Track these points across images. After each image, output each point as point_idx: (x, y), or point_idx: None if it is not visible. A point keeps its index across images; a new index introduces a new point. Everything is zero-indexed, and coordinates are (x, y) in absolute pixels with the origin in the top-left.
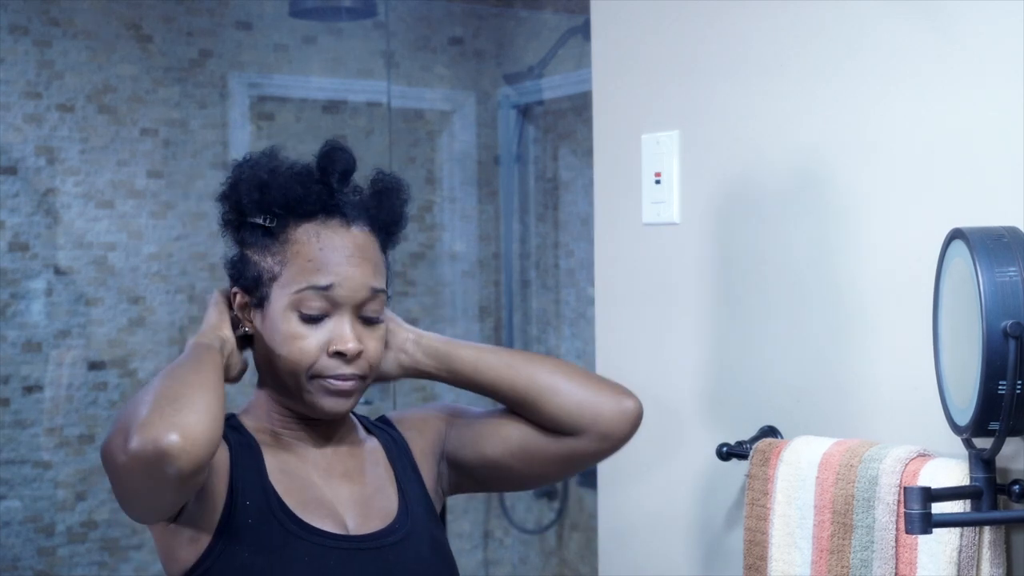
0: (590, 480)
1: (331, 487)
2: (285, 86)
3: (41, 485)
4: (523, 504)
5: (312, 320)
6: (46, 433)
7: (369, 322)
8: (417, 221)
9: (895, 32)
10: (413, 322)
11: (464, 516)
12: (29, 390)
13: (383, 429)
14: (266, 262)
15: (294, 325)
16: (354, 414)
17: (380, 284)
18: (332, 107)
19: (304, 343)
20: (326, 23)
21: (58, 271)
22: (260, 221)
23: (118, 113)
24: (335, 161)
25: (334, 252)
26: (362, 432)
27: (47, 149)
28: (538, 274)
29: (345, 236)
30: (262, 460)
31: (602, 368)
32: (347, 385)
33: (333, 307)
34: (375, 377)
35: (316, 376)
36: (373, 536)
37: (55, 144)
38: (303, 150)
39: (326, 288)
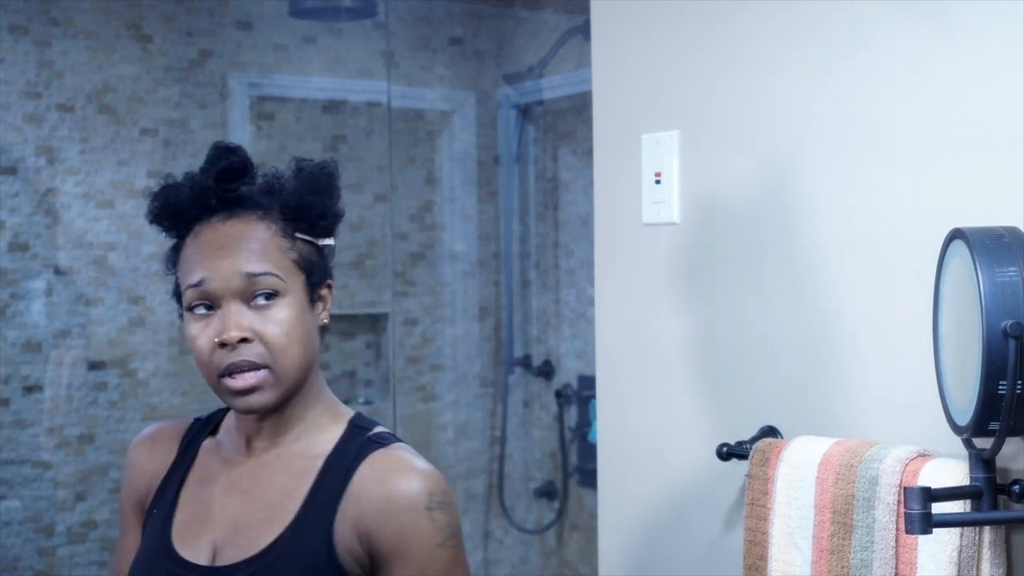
0: (590, 480)
1: (224, 503)
2: (285, 86)
3: (41, 485)
4: (523, 504)
5: (202, 318)
6: (46, 433)
7: (263, 307)
8: (417, 221)
9: (895, 32)
10: (413, 322)
11: (464, 516)
12: (29, 390)
13: (349, 460)
14: (176, 278)
15: (190, 327)
16: (364, 426)
17: (259, 267)
18: (332, 107)
19: (198, 342)
20: (326, 23)
21: (58, 271)
22: (168, 239)
23: (118, 113)
24: (214, 160)
25: (205, 247)
26: (327, 444)
27: (47, 149)
28: (538, 274)
29: (219, 230)
30: (187, 470)
31: (602, 368)
32: (247, 381)
33: (216, 301)
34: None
35: (221, 376)
36: (230, 568)
37: (55, 144)
38: (303, 150)
39: (198, 284)
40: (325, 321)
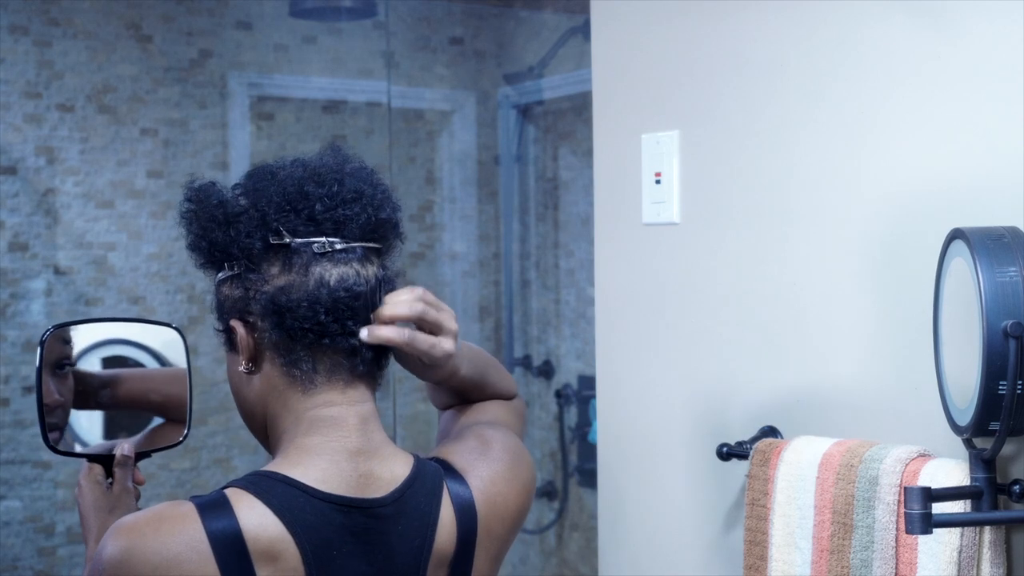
0: (590, 480)
1: None
2: (285, 86)
3: (41, 485)
4: None
5: None
6: None
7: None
8: (417, 221)
9: (895, 32)
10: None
11: None
12: (29, 390)
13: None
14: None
15: None
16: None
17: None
18: (332, 107)
19: None
20: (326, 23)
21: (58, 271)
22: None
23: (118, 113)
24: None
25: None
26: None
27: (47, 149)
28: (538, 274)
29: None
30: None
31: (602, 368)
32: None
33: None
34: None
35: None
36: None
37: (55, 144)
38: (303, 150)
39: None
40: (242, 368)
